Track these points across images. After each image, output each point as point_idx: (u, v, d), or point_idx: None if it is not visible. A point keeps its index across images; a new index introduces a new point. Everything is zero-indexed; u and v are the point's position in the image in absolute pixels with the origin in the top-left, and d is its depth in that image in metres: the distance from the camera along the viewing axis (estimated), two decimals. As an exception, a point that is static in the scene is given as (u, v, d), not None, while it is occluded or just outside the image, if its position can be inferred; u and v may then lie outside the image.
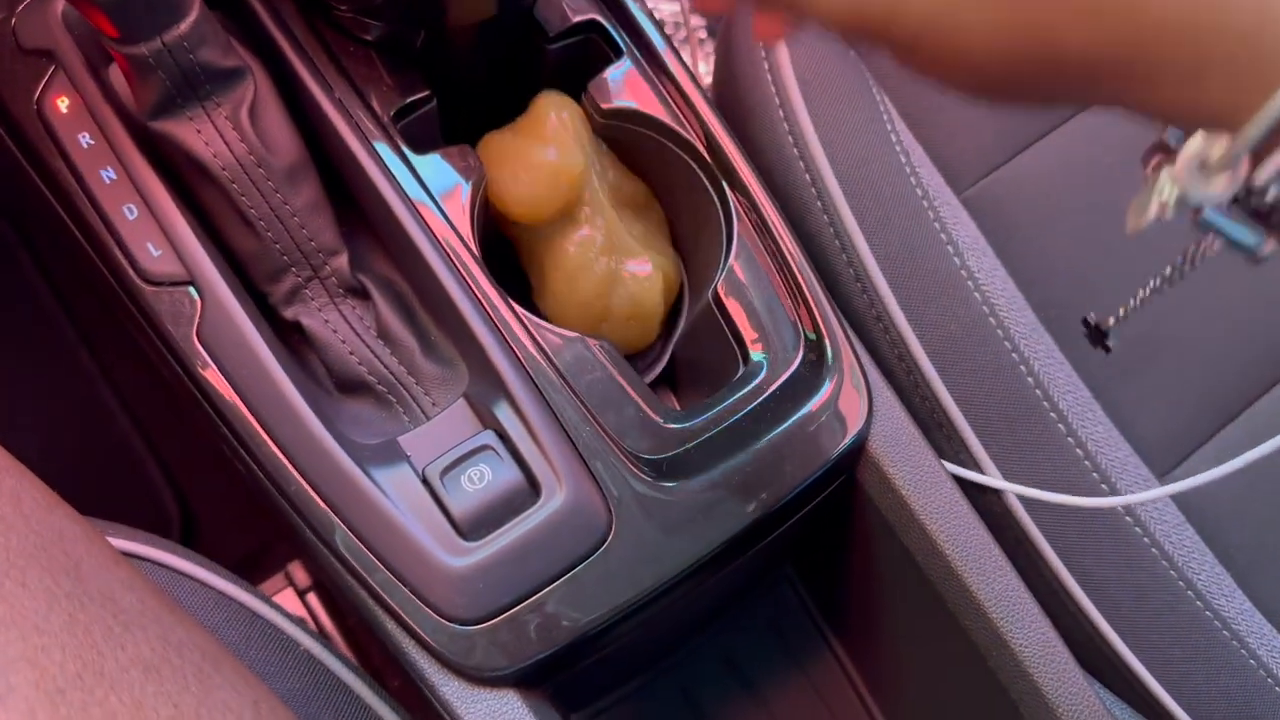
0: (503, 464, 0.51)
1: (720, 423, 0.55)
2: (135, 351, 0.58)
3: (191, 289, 0.52)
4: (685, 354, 0.62)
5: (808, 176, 0.67)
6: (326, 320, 0.55)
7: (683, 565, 0.53)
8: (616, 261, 0.58)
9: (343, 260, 0.55)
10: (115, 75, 0.53)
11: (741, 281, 0.57)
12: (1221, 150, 0.25)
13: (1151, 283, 0.34)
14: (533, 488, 0.51)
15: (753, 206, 0.58)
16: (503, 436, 0.52)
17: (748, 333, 0.57)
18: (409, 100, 0.56)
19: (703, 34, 1.24)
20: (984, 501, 0.65)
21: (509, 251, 0.60)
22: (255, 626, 0.57)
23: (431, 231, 0.54)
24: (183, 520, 0.95)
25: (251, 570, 0.62)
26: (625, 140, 0.60)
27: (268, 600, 0.58)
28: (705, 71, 1.03)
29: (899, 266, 0.66)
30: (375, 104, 0.55)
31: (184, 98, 0.51)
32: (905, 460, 0.57)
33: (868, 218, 0.67)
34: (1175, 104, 0.25)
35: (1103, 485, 0.63)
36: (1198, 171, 0.26)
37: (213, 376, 0.51)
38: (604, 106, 0.58)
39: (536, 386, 0.52)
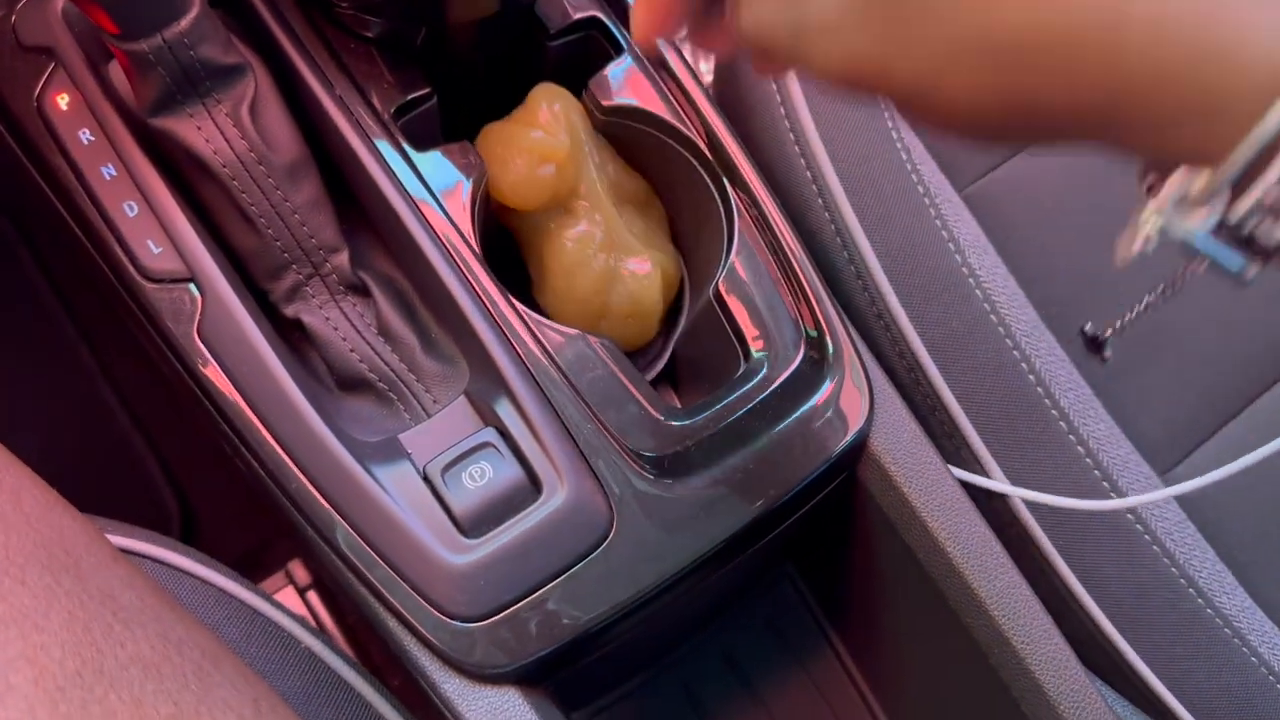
0: (504, 461, 0.51)
1: (721, 420, 0.55)
2: (135, 349, 0.58)
3: (192, 286, 0.52)
4: (686, 351, 0.62)
5: (809, 173, 0.67)
6: (327, 318, 0.55)
7: (683, 563, 0.53)
8: (615, 259, 0.58)
9: (343, 257, 0.55)
10: (115, 72, 0.53)
11: (742, 279, 0.57)
12: (1201, 185, 0.27)
13: (1147, 298, 0.35)
14: (534, 485, 0.51)
15: (754, 203, 0.58)
16: (504, 434, 0.52)
17: (749, 330, 0.57)
18: (410, 97, 0.56)
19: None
20: (984, 499, 0.65)
21: (510, 246, 0.60)
22: (256, 624, 0.57)
23: (432, 229, 0.54)
24: (183, 518, 0.95)
25: (251, 568, 0.62)
26: (626, 137, 0.60)
27: (268, 598, 0.58)
28: (706, 69, 1.03)
29: (900, 264, 0.66)
30: (376, 101, 0.55)
31: (184, 94, 0.51)
32: (906, 458, 0.57)
33: (869, 215, 0.66)
34: (1157, 148, 0.27)
35: (1104, 483, 0.63)
36: (1179, 205, 0.27)
37: (213, 374, 0.51)
38: (605, 104, 0.58)
39: (538, 384, 0.52)
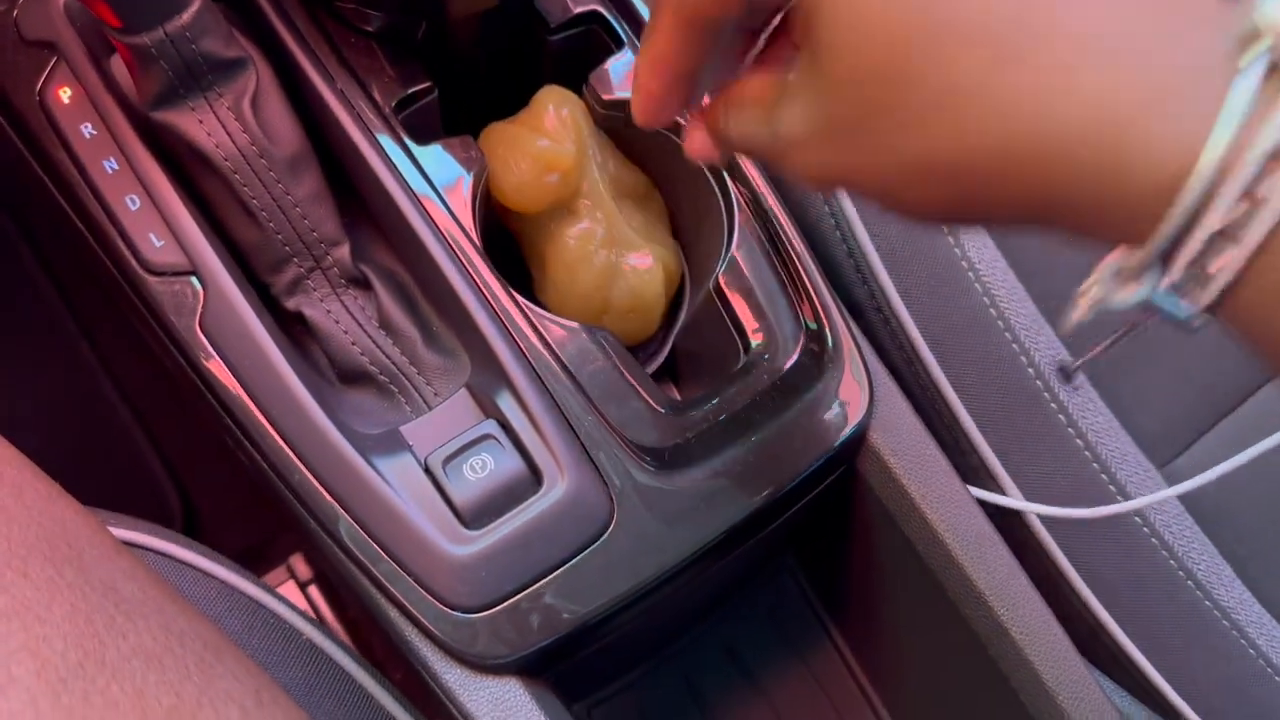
0: (505, 453, 0.51)
1: (721, 413, 0.55)
2: (137, 344, 0.58)
3: (194, 279, 0.52)
4: (686, 345, 0.62)
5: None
6: (328, 310, 0.55)
7: (684, 554, 0.53)
8: (617, 254, 0.58)
9: (344, 251, 0.55)
10: (117, 66, 0.53)
11: (743, 272, 0.57)
12: (1132, 263, 0.30)
13: (1113, 334, 0.36)
14: (534, 477, 0.51)
15: (754, 197, 0.58)
16: (505, 426, 0.52)
17: (749, 323, 0.57)
18: (410, 91, 0.56)
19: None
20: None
21: (511, 245, 0.60)
22: (257, 616, 0.57)
23: (433, 222, 0.54)
24: (184, 514, 0.95)
25: (253, 563, 0.62)
26: (626, 132, 0.60)
27: (270, 590, 0.58)
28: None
29: (899, 257, 0.66)
30: (377, 95, 0.55)
31: (186, 88, 0.51)
32: (906, 450, 0.57)
33: (868, 208, 0.67)
34: (1090, 235, 0.31)
35: (1102, 476, 0.63)
36: (1116, 278, 0.31)
37: (215, 367, 0.51)
38: (605, 98, 0.58)
39: (538, 376, 0.53)
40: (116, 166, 0.53)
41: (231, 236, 0.54)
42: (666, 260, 0.59)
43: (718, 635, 0.71)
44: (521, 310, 0.54)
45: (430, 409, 0.54)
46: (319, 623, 0.58)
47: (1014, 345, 0.65)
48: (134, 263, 0.52)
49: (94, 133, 0.53)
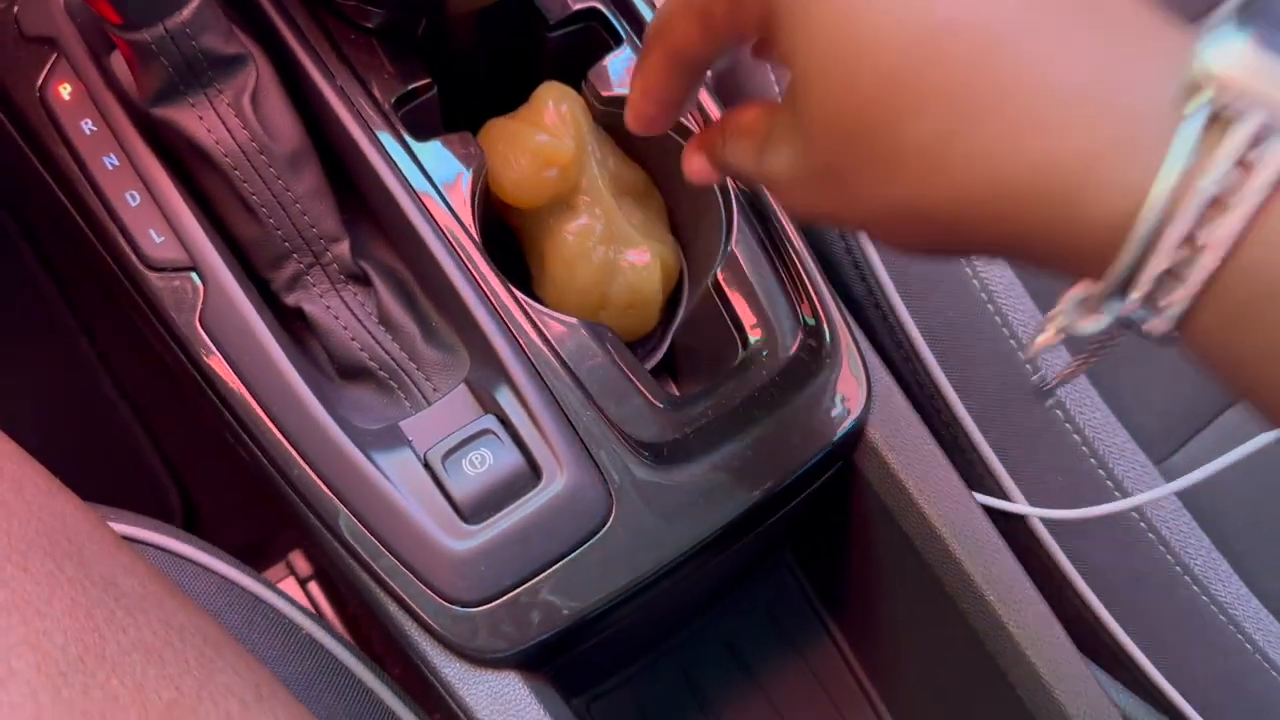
0: (503, 448, 0.51)
1: (719, 409, 0.55)
2: (137, 341, 0.58)
3: (194, 275, 0.52)
4: (685, 341, 0.62)
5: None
6: (328, 306, 0.55)
7: (682, 549, 0.53)
8: (615, 250, 0.58)
9: (344, 247, 0.55)
10: (117, 62, 0.54)
11: (741, 268, 0.58)
12: (1093, 294, 0.32)
13: (1084, 353, 0.38)
14: (533, 472, 0.52)
15: (752, 194, 0.58)
16: (504, 421, 0.52)
17: (747, 319, 0.57)
18: (410, 88, 0.56)
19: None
20: (983, 488, 0.66)
21: (511, 241, 0.60)
22: (257, 611, 0.57)
23: (433, 218, 0.54)
24: (184, 511, 0.96)
25: (253, 560, 0.62)
26: (625, 128, 0.60)
27: (270, 585, 0.58)
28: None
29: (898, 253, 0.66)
30: (376, 91, 0.55)
31: (186, 84, 0.51)
32: (904, 445, 0.57)
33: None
34: (1059, 270, 0.33)
35: (1100, 471, 0.64)
36: (1078, 308, 0.33)
37: (215, 362, 0.51)
38: (604, 94, 0.58)
39: (537, 372, 0.53)
40: (117, 162, 0.53)
41: (231, 232, 0.54)
42: (665, 257, 0.59)
43: (716, 630, 0.71)
44: (520, 306, 0.54)
45: (429, 404, 0.54)
46: (318, 617, 0.58)
47: (1011, 341, 0.65)
48: (134, 258, 0.52)
49: (94, 129, 0.53)
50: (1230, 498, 0.68)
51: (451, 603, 0.50)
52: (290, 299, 0.55)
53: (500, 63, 0.62)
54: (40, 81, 0.53)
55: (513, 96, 0.59)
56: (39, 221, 0.92)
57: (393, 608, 0.51)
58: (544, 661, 0.53)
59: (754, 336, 0.57)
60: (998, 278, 0.66)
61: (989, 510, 0.59)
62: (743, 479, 0.54)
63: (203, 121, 0.52)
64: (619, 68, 0.58)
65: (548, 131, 0.56)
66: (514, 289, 0.54)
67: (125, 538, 0.54)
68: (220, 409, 0.52)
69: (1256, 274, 0.29)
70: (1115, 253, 0.30)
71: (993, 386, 0.65)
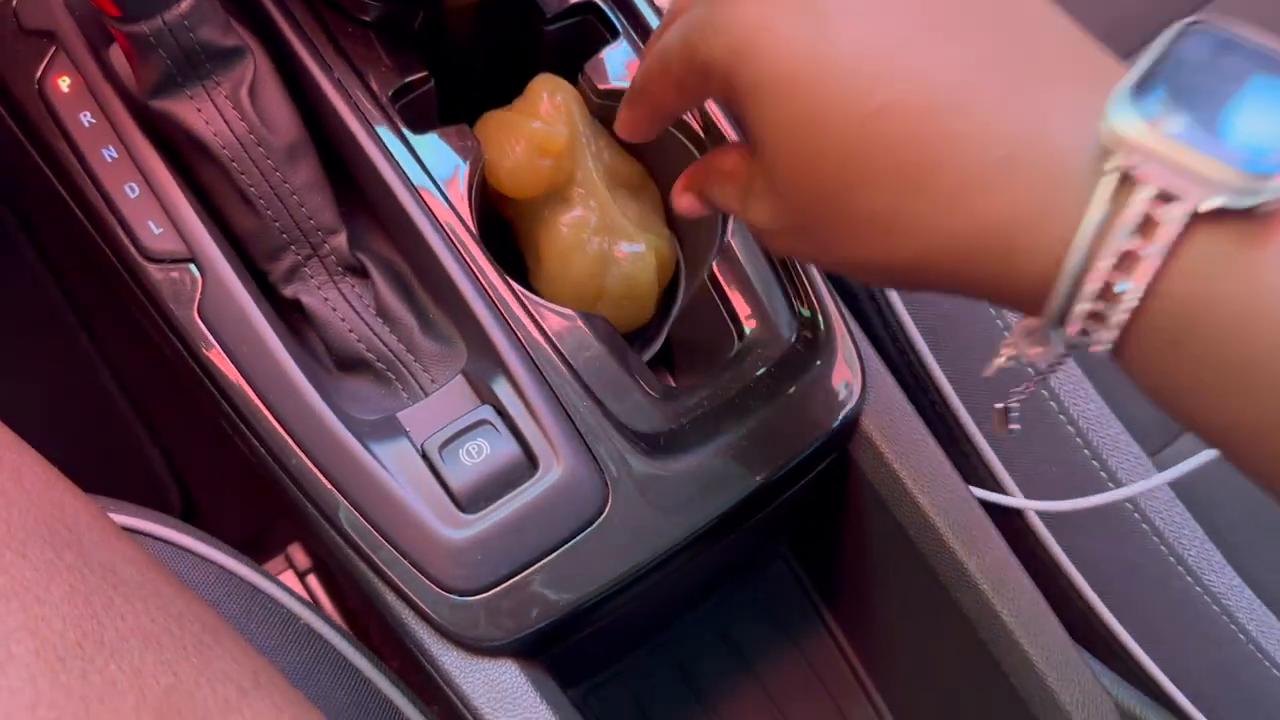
0: (500, 438, 0.52)
1: (715, 399, 0.55)
2: (135, 336, 0.58)
3: (192, 266, 0.52)
4: (681, 332, 0.62)
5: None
6: (326, 298, 0.55)
7: (678, 539, 0.53)
8: (610, 242, 0.58)
9: (341, 239, 0.55)
10: (116, 55, 0.54)
11: (737, 260, 0.58)
12: (1037, 327, 0.35)
13: (1040, 372, 0.42)
14: (530, 462, 0.52)
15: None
16: (501, 412, 0.52)
17: (743, 310, 0.57)
18: (407, 80, 0.56)
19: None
20: (977, 479, 0.66)
21: (507, 233, 0.61)
22: (255, 601, 0.57)
23: (430, 210, 0.54)
24: (183, 506, 0.96)
25: (252, 553, 0.62)
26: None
27: (268, 575, 0.58)
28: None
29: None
30: (374, 84, 0.56)
31: (184, 77, 0.51)
32: (898, 435, 0.58)
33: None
34: (1011, 308, 0.36)
35: (1094, 462, 0.64)
36: (1026, 338, 0.37)
37: (213, 353, 0.52)
38: (600, 87, 0.58)
39: (534, 363, 0.53)
40: (115, 155, 0.53)
41: (229, 224, 0.54)
42: (660, 249, 0.60)
43: (712, 621, 0.71)
44: (518, 298, 0.54)
45: (427, 395, 0.54)
46: (316, 607, 0.59)
47: (1006, 334, 0.65)
48: (133, 250, 0.52)
49: (93, 121, 0.53)
50: (1224, 489, 0.68)
51: (449, 591, 0.50)
52: (288, 291, 0.55)
53: (497, 56, 0.62)
54: (39, 74, 0.53)
55: (509, 90, 0.59)
56: (38, 215, 0.92)
57: (390, 597, 0.51)
58: (541, 650, 0.53)
59: (749, 328, 0.57)
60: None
61: (984, 503, 0.59)
62: (738, 469, 0.54)
63: (201, 114, 0.52)
64: (615, 61, 0.58)
65: (542, 120, 0.56)
66: (511, 281, 0.54)
67: (124, 528, 0.54)
68: (218, 400, 0.53)
69: (1167, 320, 0.32)
70: (1047, 298, 0.34)
71: (987, 378, 0.65)
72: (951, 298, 0.65)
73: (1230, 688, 0.64)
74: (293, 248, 0.55)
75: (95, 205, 0.53)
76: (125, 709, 0.38)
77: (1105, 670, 0.64)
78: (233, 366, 0.52)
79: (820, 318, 0.57)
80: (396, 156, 0.55)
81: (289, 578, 0.86)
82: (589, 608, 0.52)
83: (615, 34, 0.59)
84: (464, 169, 0.55)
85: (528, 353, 0.53)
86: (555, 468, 0.52)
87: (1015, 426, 0.48)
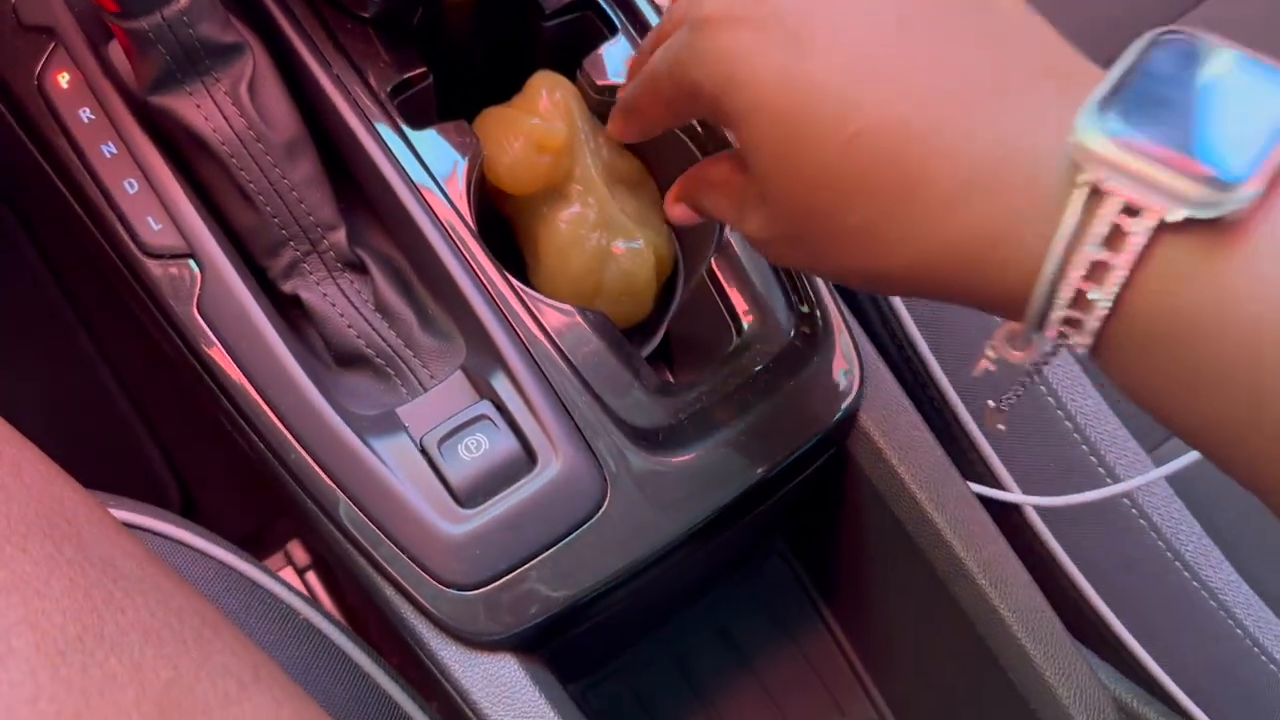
0: (499, 433, 0.52)
1: (713, 395, 0.55)
2: (135, 334, 0.58)
3: (191, 262, 0.52)
4: (680, 328, 0.62)
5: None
6: (325, 294, 0.56)
7: (676, 534, 0.53)
8: (608, 238, 0.58)
9: (340, 235, 0.55)
10: (115, 51, 0.54)
11: (735, 256, 0.58)
12: (1019, 332, 0.37)
13: (1028, 372, 0.42)
14: (529, 456, 0.52)
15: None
16: (499, 407, 0.52)
17: (741, 306, 0.57)
18: (406, 77, 0.56)
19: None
20: (975, 474, 0.66)
21: (505, 230, 0.61)
22: (255, 595, 0.57)
23: (429, 206, 0.54)
24: (183, 503, 0.96)
25: (251, 551, 0.62)
26: (619, 119, 0.61)
27: (267, 570, 0.59)
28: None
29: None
30: (373, 80, 0.56)
31: (183, 73, 0.51)
32: (896, 431, 0.58)
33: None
34: (994, 313, 0.38)
35: (1091, 458, 0.64)
36: (1009, 343, 0.38)
37: (213, 349, 0.52)
38: (599, 83, 0.58)
39: (533, 358, 0.53)
40: (115, 151, 0.53)
41: (229, 220, 0.55)
42: (659, 245, 0.60)
43: (710, 617, 0.71)
44: (516, 293, 0.54)
45: (426, 391, 0.54)
46: (315, 603, 0.59)
47: (1004, 329, 0.65)
48: (132, 245, 0.52)
49: (92, 117, 0.53)
50: (1221, 485, 0.67)
51: (448, 586, 0.50)
52: (287, 286, 0.55)
53: (496, 52, 0.62)
54: (38, 71, 0.53)
55: (508, 86, 0.59)
56: (38, 213, 0.92)
57: (389, 591, 0.51)
58: (540, 645, 0.53)
59: (748, 324, 0.58)
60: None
61: (982, 499, 0.59)
62: (736, 465, 0.55)
63: (200, 110, 0.52)
64: (614, 57, 0.59)
65: (540, 116, 0.56)
66: (510, 277, 0.54)
67: (124, 523, 0.54)
68: (217, 395, 0.53)
69: (1138, 326, 0.33)
70: (1027, 305, 0.35)
71: (984, 373, 0.65)
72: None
73: (1227, 683, 0.64)
74: (292, 244, 0.55)
75: (94, 201, 0.53)
76: (125, 702, 0.38)
77: (1102, 665, 0.64)
78: (232, 362, 0.52)
79: (818, 313, 0.57)
80: (395, 153, 0.55)
81: (288, 574, 0.87)
82: (587, 602, 0.52)
83: (614, 30, 0.59)
84: (463, 165, 0.55)
85: (526, 348, 0.53)
86: (554, 463, 0.52)
87: (1001, 427, 0.48)
